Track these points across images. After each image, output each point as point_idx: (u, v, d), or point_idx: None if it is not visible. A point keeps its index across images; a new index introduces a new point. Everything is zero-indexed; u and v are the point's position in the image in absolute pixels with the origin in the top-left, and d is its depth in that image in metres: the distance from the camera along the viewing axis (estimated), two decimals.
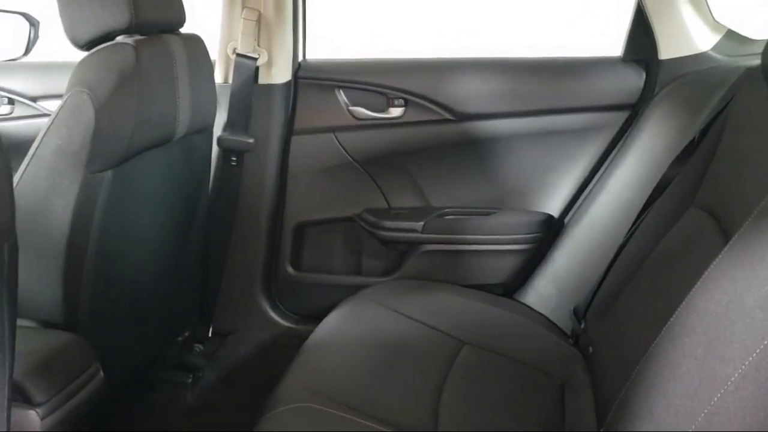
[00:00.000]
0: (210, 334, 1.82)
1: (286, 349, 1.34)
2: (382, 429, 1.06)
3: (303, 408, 1.09)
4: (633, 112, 1.66)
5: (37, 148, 1.17)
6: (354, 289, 1.55)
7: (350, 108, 1.73)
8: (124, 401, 1.58)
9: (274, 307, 1.83)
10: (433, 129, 1.72)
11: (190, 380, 1.68)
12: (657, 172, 1.35)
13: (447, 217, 1.73)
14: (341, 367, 1.25)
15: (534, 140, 1.71)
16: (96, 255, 1.20)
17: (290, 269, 1.82)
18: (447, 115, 1.70)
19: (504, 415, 1.15)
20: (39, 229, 1.17)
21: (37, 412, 1.03)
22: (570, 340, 1.42)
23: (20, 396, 1.03)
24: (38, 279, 1.18)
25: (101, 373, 1.16)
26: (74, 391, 1.09)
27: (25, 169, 1.16)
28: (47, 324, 1.20)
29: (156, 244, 1.43)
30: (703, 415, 0.71)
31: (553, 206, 1.72)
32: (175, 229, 1.50)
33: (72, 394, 1.09)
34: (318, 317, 1.45)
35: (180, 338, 1.75)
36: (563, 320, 1.49)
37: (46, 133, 1.16)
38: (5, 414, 0.90)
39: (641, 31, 1.63)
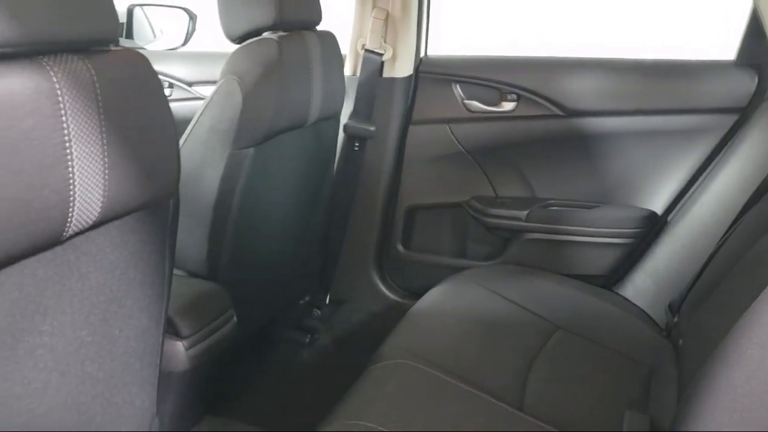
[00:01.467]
0: (327, 301, 2.01)
1: (392, 319, 1.46)
2: (471, 390, 1.17)
3: (402, 364, 1.23)
4: (742, 115, 1.66)
5: (193, 126, 1.38)
6: (457, 270, 1.66)
7: (465, 101, 1.85)
8: (251, 351, 1.79)
9: (384, 281, 1.99)
10: (543, 123, 1.81)
11: (307, 340, 1.88)
12: (760, 176, 1.36)
13: (551, 208, 1.81)
14: (438, 333, 1.37)
15: (641, 139, 1.76)
16: (236, 219, 1.40)
17: (400, 248, 1.97)
18: (557, 111, 1.78)
19: (588, 395, 1.21)
20: (192, 194, 1.37)
21: (183, 344, 1.24)
22: (663, 332, 1.46)
23: (171, 329, 1.24)
24: (189, 236, 1.39)
25: (234, 319, 1.36)
26: (213, 330, 1.29)
27: (183, 143, 1.38)
28: (193, 274, 1.42)
29: (286, 214, 1.62)
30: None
31: (657, 203, 1.76)
32: (303, 204, 1.68)
33: (211, 332, 1.29)
34: (422, 293, 1.57)
35: (301, 302, 1.95)
36: (658, 314, 1.53)
37: (202, 113, 1.37)
38: (161, 341, 1.11)
39: (755, 36, 1.63)
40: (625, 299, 1.65)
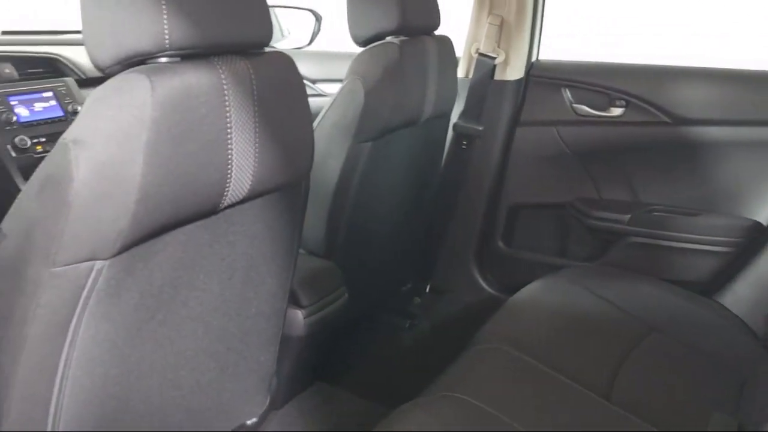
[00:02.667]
0: (427, 290, 2.13)
1: (488, 311, 1.53)
2: (561, 377, 1.24)
3: (498, 348, 1.32)
4: None
5: (320, 121, 1.52)
6: (555, 269, 1.72)
7: (573, 105, 1.91)
8: (357, 330, 1.93)
9: (483, 275, 2.08)
10: (650, 130, 1.84)
11: (407, 325, 2.00)
12: None
13: (654, 213, 1.83)
14: (534, 324, 1.44)
15: (748, 149, 1.75)
16: (353, 205, 1.53)
17: (501, 244, 2.05)
18: (664, 118, 1.81)
19: (676, 394, 1.24)
20: (315, 181, 1.51)
21: (302, 312, 1.39)
22: (761, 342, 1.47)
23: (292, 299, 1.39)
24: (310, 218, 1.53)
25: (346, 295, 1.50)
26: (328, 303, 1.44)
27: None
28: (312, 252, 1.57)
29: (395, 204, 1.74)
30: None
31: (761, 214, 1.75)
32: (411, 196, 1.80)
33: (326, 305, 1.43)
34: (519, 289, 1.63)
35: (403, 289, 2.07)
36: (757, 324, 1.53)
37: (328, 109, 1.51)
38: (285, 308, 1.26)
39: None
40: (724, 307, 1.65)
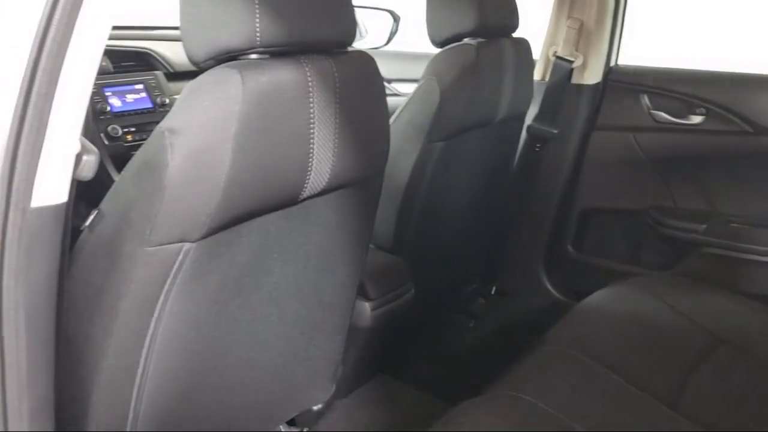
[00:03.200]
0: (493, 292, 2.14)
1: (554, 315, 1.52)
2: (627, 384, 1.24)
3: (564, 350, 1.32)
4: None
5: (395, 119, 1.56)
6: (626, 276, 1.69)
7: (651, 111, 1.87)
8: (421, 326, 1.96)
9: (551, 279, 2.07)
10: (730, 139, 1.79)
11: (471, 325, 2.01)
12: None
13: (731, 224, 1.79)
14: (601, 330, 1.43)
15: None
16: (422, 203, 1.56)
17: (570, 248, 2.04)
18: (746, 127, 1.76)
19: (747, 407, 1.22)
20: (387, 177, 1.54)
21: (369, 304, 1.43)
22: None
23: (361, 291, 1.43)
24: (380, 214, 1.57)
25: (412, 291, 1.53)
26: (395, 297, 1.47)
27: None
28: (380, 247, 1.60)
29: (464, 204, 1.76)
30: None
31: None
32: (480, 196, 1.82)
33: (393, 299, 1.47)
34: (587, 295, 1.60)
35: (468, 288, 2.09)
36: None
37: (403, 108, 1.55)
38: (354, 298, 1.30)
39: None
40: None
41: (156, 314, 0.89)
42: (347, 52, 1.01)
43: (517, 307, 2.09)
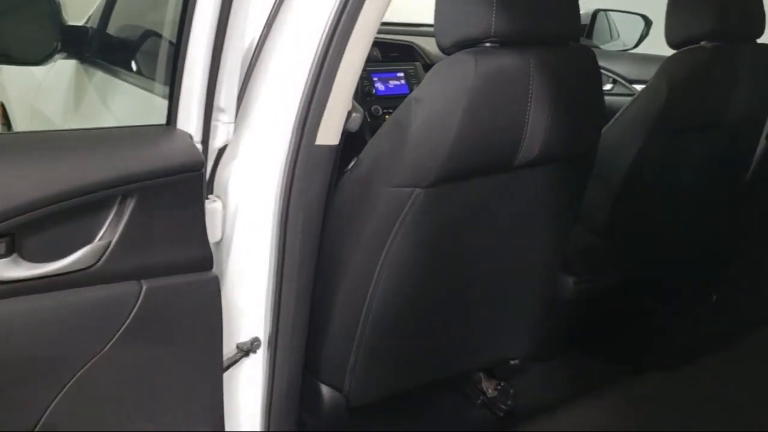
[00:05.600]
0: (713, 300, 2.08)
1: None
2: None
3: None
4: None
5: (622, 112, 1.64)
6: None
7: None
8: (626, 315, 1.99)
9: None
10: None
11: (684, 327, 1.99)
12: None
13: None
14: None
15: None
16: (639, 195, 1.63)
17: None
18: None
19: None
20: (608, 166, 1.60)
21: (572, 279, 1.56)
22: None
23: (567, 266, 1.56)
24: (594, 197, 1.58)
25: (619, 276, 1.61)
26: (600, 277, 1.58)
27: (612, 123, 1.65)
28: (590, 229, 1.69)
29: (684, 204, 1.75)
30: None
31: None
32: (703, 199, 1.80)
33: (597, 279, 1.58)
34: None
35: (685, 294, 2.05)
36: None
37: (632, 102, 1.63)
38: (555, 272, 1.44)
39: None
40: None
41: (388, 244, 1.14)
42: (570, 45, 1.18)
43: (737, 316, 2.04)
